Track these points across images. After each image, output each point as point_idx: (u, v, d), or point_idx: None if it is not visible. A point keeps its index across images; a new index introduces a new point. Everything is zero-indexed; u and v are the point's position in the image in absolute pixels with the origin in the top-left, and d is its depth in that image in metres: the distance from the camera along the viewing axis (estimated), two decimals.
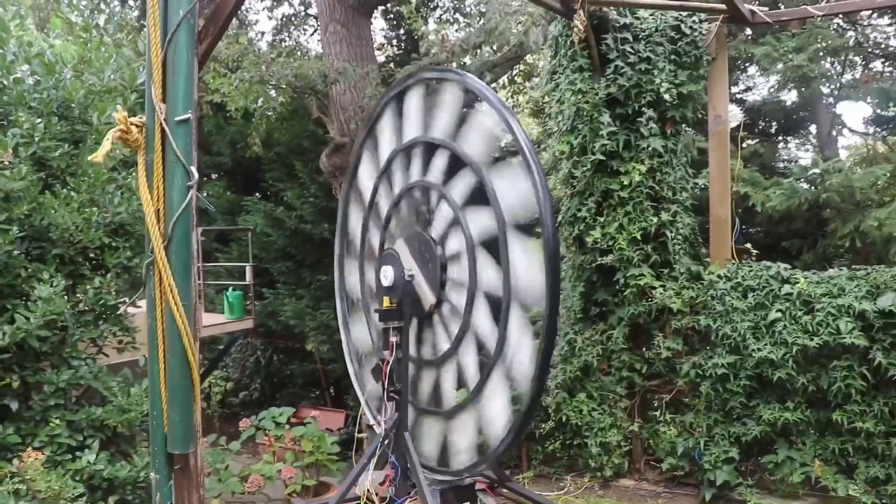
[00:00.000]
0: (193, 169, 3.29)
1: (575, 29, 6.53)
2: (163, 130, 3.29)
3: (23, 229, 5.69)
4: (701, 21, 7.16)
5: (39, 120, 5.93)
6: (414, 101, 6.25)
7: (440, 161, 5.88)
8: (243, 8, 13.28)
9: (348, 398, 13.86)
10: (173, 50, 3.31)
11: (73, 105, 6.24)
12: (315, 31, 15.64)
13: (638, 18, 7.14)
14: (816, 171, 8.98)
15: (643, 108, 7.04)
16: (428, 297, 5.76)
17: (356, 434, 8.84)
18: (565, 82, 7.16)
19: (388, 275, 5.75)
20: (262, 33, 15.53)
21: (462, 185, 5.69)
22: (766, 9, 7.25)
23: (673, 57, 7.16)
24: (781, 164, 11.94)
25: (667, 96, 7.01)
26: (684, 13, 7.14)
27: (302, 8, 15.34)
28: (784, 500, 6.52)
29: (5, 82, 6.12)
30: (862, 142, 12.62)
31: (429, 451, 6.04)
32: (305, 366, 15.25)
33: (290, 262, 14.22)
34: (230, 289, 13.25)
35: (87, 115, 6.29)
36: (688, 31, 7.13)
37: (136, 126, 3.33)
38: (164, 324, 3.26)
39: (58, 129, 6.05)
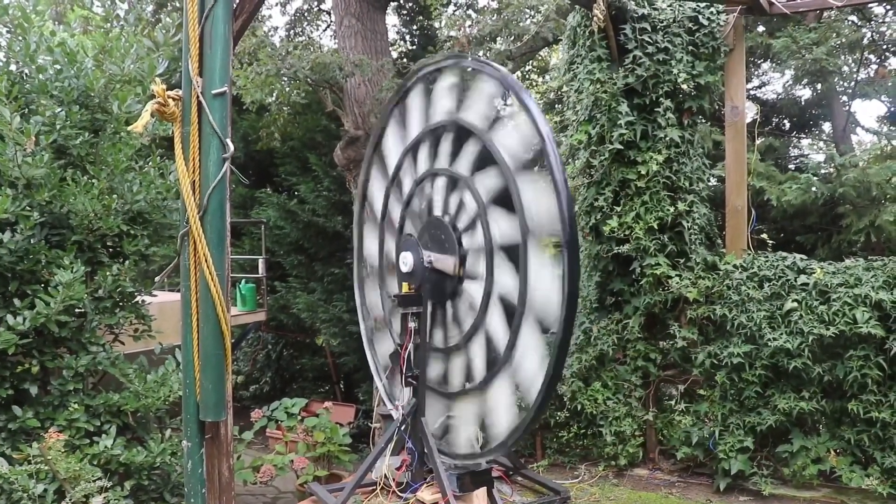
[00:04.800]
0: (229, 141, 3.34)
1: (594, 18, 6.56)
2: (199, 103, 3.34)
3: (43, 216, 5.75)
4: (719, 12, 7.18)
5: (60, 108, 5.98)
6: (415, 100, 6.37)
7: (446, 144, 5.98)
8: None
9: (359, 392, 13.90)
10: (210, 24, 3.35)
11: (93, 94, 6.29)
12: (328, 26, 15.68)
13: (656, 9, 7.16)
14: (833, 165, 8.98)
15: (661, 99, 7.06)
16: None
17: (373, 424, 8.87)
18: (584, 72, 7.19)
19: (407, 261, 5.79)
20: (276, 28, 15.52)
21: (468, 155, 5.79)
22: None
23: (690, 48, 7.18)
24: (796, 160, 11.95)
25: (684, 87, 7.04)
26: (702, 4, 7.15)
27: (315, 3, 15.37)
28: (798, 490, 6.53)
29: (27, 71, 6.19)
30: (875, 139, 12.62)
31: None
32: (316, 360, 15.28)
33: (303, 255, 14.24)
34: (242, 281, 13.29)
35: (107, 104, 6.34)
36: (705, 22, 7.15)
37: (174, 99, 3.38)
38: (198, 293, 3.30)
39: (78, 118, 6.11)
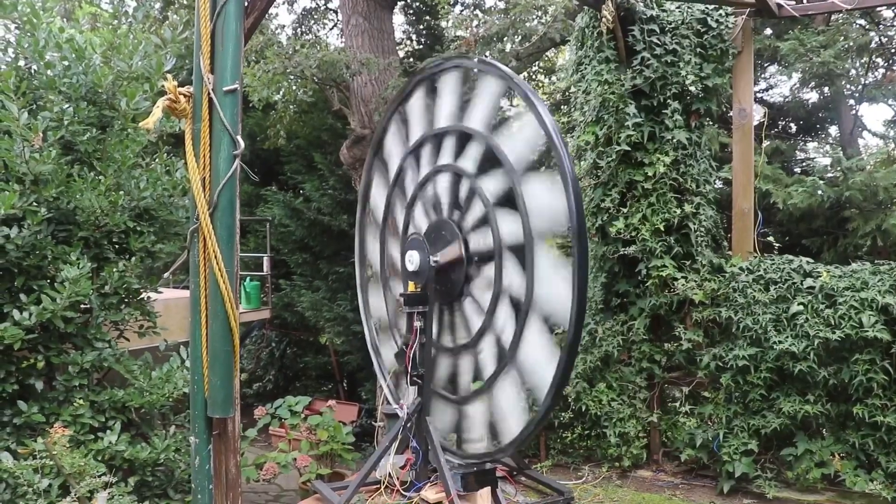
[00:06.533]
0: (239, 138, 3.34)
1: (603, 19, 6.56)
2: (210, 100, 3.35)
3: (50, 212, 5.76)
4: (727, 14, 7.17)
5: (68, 104, 5.99)
6: (417, 102, 6.32)
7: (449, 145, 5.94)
8: None
9: (362, 391, 13.90)
10: (222, 21, 3.36)
11: (101, 90, 6.29)
12: (335, 25, 15.68)
13: (664, 11, 7.15)
14: (839, 169, 8.96)
15: (668, 100, 7.06)
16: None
17: (377, 423, 8.88)
18: (591, 73, 7.19)
19: (413, 259, 5.78)
20: (283, 26, 15.50)
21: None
22: (793, 2, 7.25)
23: (699, 50, 7.17)
24: (802, 164, 11.93)
25: (692, 89, 7.03)
26: (711, 6, 7.15)
27: (322, 1, 15.38)
28: (802, 493, 6.52)
29: (35, 67, 6.20)
30: (882, 143, 12.60)
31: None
32: (319, 358, 15.27)
33: (308, 253, 14.24)
34: (247, 279, 13.31)
35: (115, 101, 6.35)
36: (714, 25, 7.14)
37: (185, 96, 3.38)
38: (208, 290, 3.31)
39: (86, 114, 6.11)
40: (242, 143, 3.35)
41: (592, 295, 7.62)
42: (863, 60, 11.07)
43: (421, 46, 14.45)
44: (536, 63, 14.33)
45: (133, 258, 6.25)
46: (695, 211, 7.10)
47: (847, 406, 6.37)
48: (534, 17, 10.18)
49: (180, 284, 12.23)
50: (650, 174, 7.04)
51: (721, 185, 9.33)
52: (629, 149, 7.09)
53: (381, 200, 6.83)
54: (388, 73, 10.54)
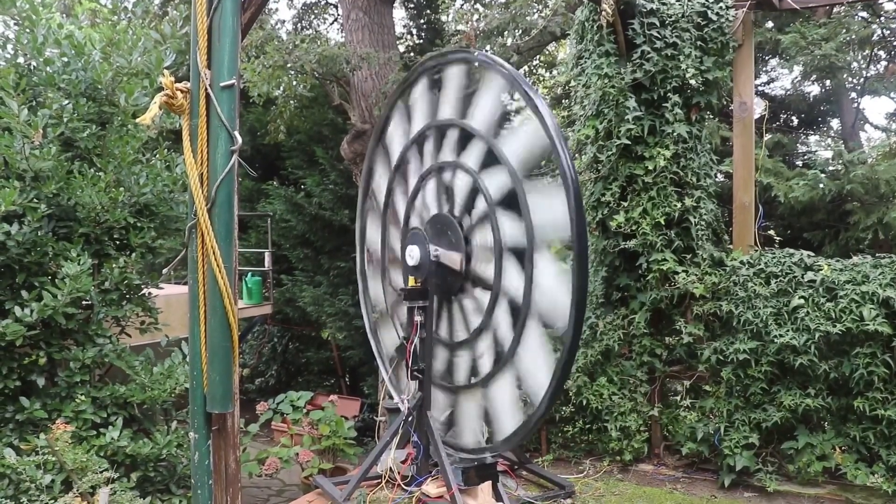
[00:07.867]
0: (237, 134, 3.35)
1: (603, 13, 6.53)
2: (207, 96, 3.35)
3: (50, 208, 5.77)
4: (728, 7, 7.14)
5: (68, 101, 6.01)
6: (420, 92, 6.34)
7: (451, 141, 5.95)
8: None
9: (364, 386, 13.95)
10: (219, 17, 3.37)
11: (100, 87, 6.32)
12: (335, 20, 15.71)
13: (664, 4, 7.12)
14: (841, 162, 8.95)
15: (668, 94, 7.03)
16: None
17: (378, 418, 8.90)
18: (591, 67, 7.16)
19: (413, 254, 5.79)
20: (283, 21, 15.55)
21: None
22: None
23: (699, 43, 7.14)
24: (803, 157, 11.92)
25: (692, 82, 7.00)
26: None
27: None
28: (803, 486, 6.51)
29: (35, 64, 6.20)
30: (884, 136, 12.58)
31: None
32: (322, 353, 15.35)
33: (309, 248, 14.29)
34: (249, 274, 13.35)
35: (115, 97, 6.36)
36: (714, 18, 7.11)
37: (182, 91, 3.39)
38: (206, 285, 3.32)
39: (85, 111, 6.13)
40: (240, 139, 3.36)
41: (593, 289, 7.61)
42: (865, 53, 11.06)
43: (421, 41, 14.47)
44: (537, 57, 14.34)
45: (134, 254, 6.28)
46: (695, 205, 7.08)
47: (848, 399, 6.36)
48: (534, 10, 10.19)
49: (181, 280, 12.27)
50: (650, 168, 7.02)
51: (722, 179, 9.31)
52: (629, 142, 7.06)
53: (383, 185, 6.86)
54: (389, 67, 10.55)
